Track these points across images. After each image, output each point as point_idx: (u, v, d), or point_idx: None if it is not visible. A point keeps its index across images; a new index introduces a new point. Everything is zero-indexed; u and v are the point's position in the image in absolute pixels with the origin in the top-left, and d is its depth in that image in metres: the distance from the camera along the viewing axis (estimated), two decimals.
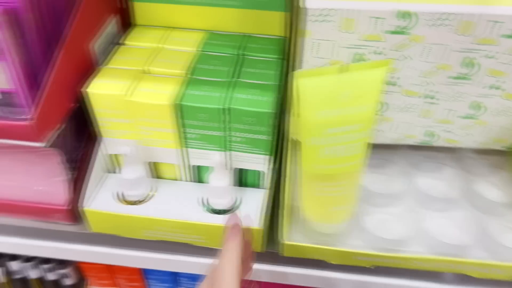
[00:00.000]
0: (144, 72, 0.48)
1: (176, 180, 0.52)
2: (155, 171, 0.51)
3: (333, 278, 0.48)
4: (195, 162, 0.49)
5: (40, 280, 0.71)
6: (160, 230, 0.47)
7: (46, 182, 0.48)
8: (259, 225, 0.46)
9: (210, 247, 0.48)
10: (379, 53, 0.44)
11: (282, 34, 0.54)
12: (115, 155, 0.51)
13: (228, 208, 0.48)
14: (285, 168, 0.47)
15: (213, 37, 0.54)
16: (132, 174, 0.46)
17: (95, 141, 0.50)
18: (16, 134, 0.42)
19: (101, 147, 0.49)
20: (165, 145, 0.47)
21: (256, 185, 0.51)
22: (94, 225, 0.49)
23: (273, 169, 0.48)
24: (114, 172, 0.53)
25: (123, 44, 0.52)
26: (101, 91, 0.44)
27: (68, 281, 0.70)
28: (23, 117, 0.41)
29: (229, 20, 0.54)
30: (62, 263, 0.70)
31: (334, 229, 0.47)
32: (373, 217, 0.50)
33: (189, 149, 0.48)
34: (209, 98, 0.44)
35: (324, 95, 0.37)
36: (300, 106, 0.38)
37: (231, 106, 0.43)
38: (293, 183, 0.47)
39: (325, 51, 0.44)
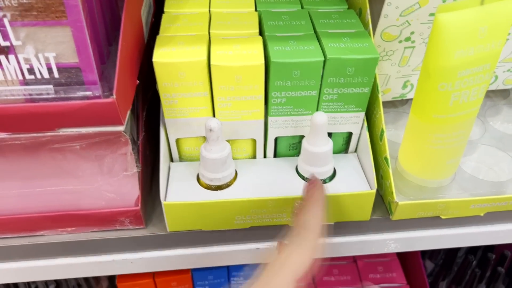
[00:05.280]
0: (210, 36, 0.41)
1: (250, 159, 0.46)
2: None
3: (447, 235, 0.44)
4: (279, 132, 0.43)
5: None
6: (257, 213, 0.41)
7: (111, 179, 0.40)
8: (371, 187, 0.41)
9: None
10: None
11: None
12: (179, 139, 0.44)
13: (330, 176, 0.42)
14: (376, 123, 0.43)
15: None
16: (220, 153, 0.39)
17: (157, 126, 0.43)
18: (93, 116, 0.34)
19: (169, 131, 0.42)
20: (248, 117, 0.41)
21: (339, 151, 0.47)
22: (172, 223, 0.41)
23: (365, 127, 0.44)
24: (172, 160, 0.45)
25: (163, 12, 0.45)
26: (176, 59, 0.37)
27: None
28: (97, 94, 0.33)
29: None
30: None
31: (441, 184, 0.44)
32: (463, 165, 0.47)
33: (272, 118, 0.42)
34: (303, 52, 0.38)
35: (463, 32, 0.34)
36: (436, 47, 0.34)
37: (332, 56, 0.38)
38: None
39: None
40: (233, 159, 0.44)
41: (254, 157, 0.46)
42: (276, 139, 0.44)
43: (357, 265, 0.66)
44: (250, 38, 0.40)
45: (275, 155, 0.46)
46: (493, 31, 0.35)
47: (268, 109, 0.41)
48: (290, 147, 0.46)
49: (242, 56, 0.38)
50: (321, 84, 0.40)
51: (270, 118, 0.42)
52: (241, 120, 0.41)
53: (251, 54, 0.38)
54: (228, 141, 0.43)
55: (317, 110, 0.42)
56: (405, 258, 0.68)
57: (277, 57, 0.38)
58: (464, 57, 0.35)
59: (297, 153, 0.46)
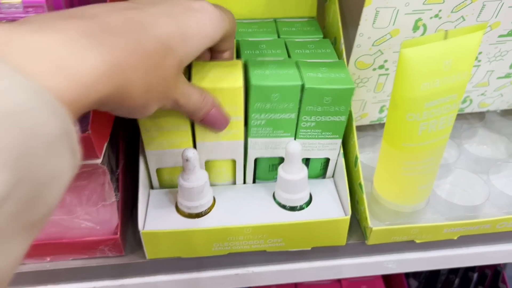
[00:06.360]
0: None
1: (228, 185, 0.47)
2: None
3: (422, 258, 0.45)
4: (259, 153, 0.44)
5: None
6: (234, 240, 0.42)
7: (90, 209, 0.40)
8: (346, 213, 0.42)
9: (288, 250, 0.43)
10: (437, 17, 0.43)
11: (309, 15, 0.52)
12: (159, 169, 0.44)
13: (307, 202, 0.43)
14: (351, 150, 0.44)
15: (242, 25, 0.49)
16: (197, 182, 0.40)
17: (137, 154, 0.43)
18: None
19: (149, 160, 0.43)
20: (228, 137, 0.41)
21: (317, 176, 0.48)
22: (151, 251, 0.42)
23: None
24: (152, 187, 0.46)
25: None
26: None
27: None
28: None
29: (254, 6, 0.50)
30: None
31: (415, 208, 0.45)
32: (438, 189, 0.48)
33: (252, 139, 0.43)
34: (282, 76, 0.39)
35: (428, 65, 0.35)
36: (402, 80, 0.36)
37: (309, 86, 0.39)
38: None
39: (384, 20, 0.42)
40: (213, 181, 0.45)
41: (234, 178, 0.46)
42: (256, 160, 0.45)
43: (341, 284, 0.67)
44: (229, 61, 0.41)
45: (254, 176, 0.47)
46: (457, 64, 0.36)
47: (248, 131, 0.42)
48: (270, 168, 0.47)
49: (221, 78, 0.38)
50: (299, 112, 0.41)
51: (250, 139, 0.43)
52: (221, 141, 0.42)
53: (230, 77, 0.39)
54: (208, 161, 0.43)
55: (295, 133, 0.43)
56: (389, 277, 0.69)
57: (257, 81, 0.39)
58: (430, 88, 0.36)
59: (277, 174, 0.47)
